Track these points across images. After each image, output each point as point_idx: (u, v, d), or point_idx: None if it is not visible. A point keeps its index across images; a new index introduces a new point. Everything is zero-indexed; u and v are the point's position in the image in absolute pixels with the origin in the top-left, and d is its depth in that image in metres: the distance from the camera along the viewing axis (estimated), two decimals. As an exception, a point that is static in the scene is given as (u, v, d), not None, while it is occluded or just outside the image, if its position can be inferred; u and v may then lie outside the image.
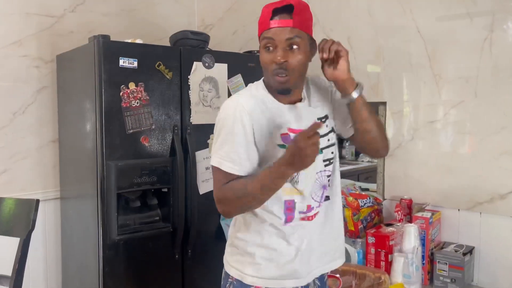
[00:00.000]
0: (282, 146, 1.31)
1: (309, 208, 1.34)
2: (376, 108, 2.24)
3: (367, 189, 2.38)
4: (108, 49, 1.97)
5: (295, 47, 1.25)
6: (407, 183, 2.12)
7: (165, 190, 2.16)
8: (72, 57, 2.27)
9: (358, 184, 2.50)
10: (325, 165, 1.36)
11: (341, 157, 4.28)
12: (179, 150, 2.13)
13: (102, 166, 1.97)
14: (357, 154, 4.31)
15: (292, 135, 1.30)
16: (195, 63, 2.20)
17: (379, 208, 2.16)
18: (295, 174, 1.31)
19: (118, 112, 1.98)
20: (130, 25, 2.72)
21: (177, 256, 2.18)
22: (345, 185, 2.29)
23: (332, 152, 1.39)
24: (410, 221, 1.94)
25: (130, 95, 2.01)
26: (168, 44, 2.40)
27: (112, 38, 2.01)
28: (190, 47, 2.26)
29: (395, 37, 2.14)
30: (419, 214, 1.88)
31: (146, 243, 2.09)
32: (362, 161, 4.18)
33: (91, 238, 2.07)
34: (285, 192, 1.32)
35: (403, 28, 2.11)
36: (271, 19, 1.26)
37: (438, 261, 1.81)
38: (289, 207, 1.34)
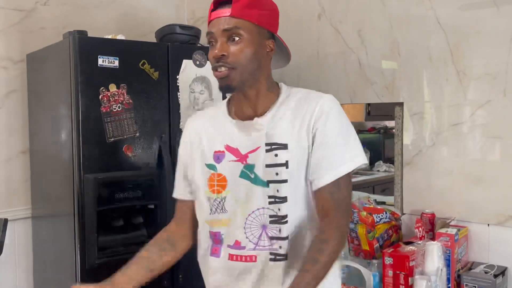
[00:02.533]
0: (210, 166, 1.37)
1: (238, 245, 1.34)
2: (392, 109, 2.25)
3: (383, 203, 2.38)
4: (85, 46, 1.98)
5: (236, 38, 1.28)
6: (429, 195, 2.12)
7: (152, 206, 2.16)
8: (45, 56, 2.29)
9: (373, 197, 2.50)
10: (270, 203, 1.32)
11: (354, 166, 4.28)
12: (167, 160, 2.13)
13: (79, 180, 1.97)
14: (372, 163, 4.32)
15: (227, 153, 1.35)
16: (184, 61, 2.22)
17: (397, 224, 2.16)
18: (219, 199, 1.36)
19: (97, 118, 1.99)
20: (110, 19, 2.74)
21: (165, 282, 2.18)
22: (358, 198, 2.29)
23: (278, 190, 1.32)
24: (432, 239, 1.94)
25: (111, 99, 2.02)
26: (154, 40, 2.42)
27: (89, 34, 2.03)
28: (178, 43, 2.28)
29: (413, 29, 2.15)
30: (443, 231, 1.88)
31: (130, 268, 2.09)
32: (378, 170, 4.19)
33: (67, 263, 2.06)
34: (211, 222, 1.38)
35: (421, 19, 2.12)
36: (211, 11, 1.32)
37: (466, 284, 1.81)
38: (215, 238, 1.38)
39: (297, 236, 1.33)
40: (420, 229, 2.01)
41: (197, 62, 2.25)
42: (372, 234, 2.06)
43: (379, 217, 2.10)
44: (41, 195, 2.41)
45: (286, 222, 1.32)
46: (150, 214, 2.17)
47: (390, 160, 3.96)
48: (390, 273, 1.86)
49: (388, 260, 1.86)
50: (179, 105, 2.20)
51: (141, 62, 2.10)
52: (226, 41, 1.28)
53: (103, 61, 2.00)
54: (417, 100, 2.15)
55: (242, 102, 1.37)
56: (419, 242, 1.94)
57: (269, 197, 1.32)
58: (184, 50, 2.24)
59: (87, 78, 1.97)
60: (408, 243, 1.98)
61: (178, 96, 2.20)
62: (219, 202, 1.36)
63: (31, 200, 2.50)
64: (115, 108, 2.03)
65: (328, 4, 2.42)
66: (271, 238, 1.32)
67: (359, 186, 3.57)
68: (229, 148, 1.36)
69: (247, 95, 1.35)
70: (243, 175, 1.34)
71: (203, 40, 2.50)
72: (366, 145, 4.35)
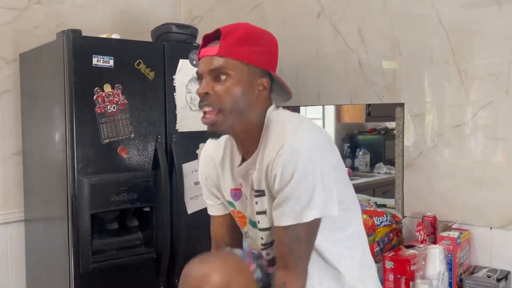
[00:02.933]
0: (228, 203, 1.42)
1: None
2: (393, 110, 2.25)
3: (384, 205, 2.38)
4: (80, 46, 1.98)
5: (223, 77, 1.24)
6: (430, 198, 2.12)
7: (147, 209, 2.16)
8: (38, 56, 2.28)
9: (374, 199, 2.50)
10: (263, 248, 1.40)
11: (354, 168, 4.29)
12: (163, 162, 2.13)
13: (73, 183, 1.97)
14: (372, 165, 4.32)
15: (239, 193, 1.38)
16: (181, 61, 2.22)
17: (398, 227, 2.16)
18: (244, 232, 1.44)
19: (92, 119, 1.99)
20: (105, 18, 2.74)
21: (162, 287, 2.18)
22: (359, 201, 2.29)
23: (262, 238, 1.38)
24: (434, 242, 1.94)
25: (106, 99, 2.02)
26: (150, 39, 2.42)
27: (84, 33, 2.02)
28: (175, 43, 2.28)
29: (414, 28, 2.16)
30: (445, 234, 1.88)
31: (125, 271, 2.09)
32: (378, 172, 4.19)
33: (61, 267, 2.06)
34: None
35: (422, 18, 2.13)
36: (201, 48, 1.30)
37: (468, 289, 1.81)
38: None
39: None
40: (421, 232, 2.01)
41: (194, 62, 2.25)
42: (372, 237, 2.05)
43: (379, 220, 2.10)
44: (34, 198, 2.40)
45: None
46: (145, 217, 2.16)
47: (390, 162, 3.96)
48: (391, 277, 1.85)
49: (389, 264, 1.85)
50: (175, 105, 2.20)
51: (137, 62, 2.10)
52: (213, 79, 1.25)
53: (97, 61, 2.00)
54: (418, 100, 2.15)
55: (239, 143, 1.36)
56: (421, 245, 1.94)
57: (262, 244, 1.40)
58: (181, 49, 2.24)
59: (81, 78, 1.97)
60: (409, 246, 1.98)
61: (175, 97, 2.20)
62: (245, 233, 1.45)
63: (24, 202, 2.49)
64: (110, 109, 2.03)
65: (328, 3, 2.42)
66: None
67: (359, 189, 3.56)
68: (243, 188, 1.39)
69: (240, 138, 1.33)
70: (249, 221, 1.40)
71: (200, 39, 2.50)
72: (367, 146, 4.36)
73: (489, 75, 1.95)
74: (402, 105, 2.20)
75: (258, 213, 1.32)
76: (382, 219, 2.11)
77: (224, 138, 1.40)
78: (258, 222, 1.33)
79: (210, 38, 1.28)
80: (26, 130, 2.44)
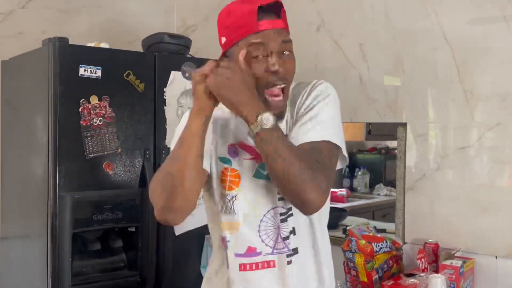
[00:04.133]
0: (223, 159, 1.34)
1: (252, 252, 1.33)
2: (395, 129, 2.26)
3: (383, 230, 2.38)
4: (66, 54, 1.98)
5: (287, 53, 1.28)
6: (432, 223, 2.12)
7: (132, 229, 2.15)
8: (22, 64, 2.28)
9: (373, 223, 2.49)
10: (279, 199, 1.33)
11: (352, 189, 4.28)
12: (150, 179, 2.12)
13: (54, 199, 1.96)
14: (371, 186, 4.32)
15: (241, 151, 1.33)
16: (173, 72, 2.22)
17: (398, 254, 2.15)
18: (229, 198, 1.33)
19: (76, 132, 1.99)
20: (94, 25, 2.75)
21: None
22: (357, 224, 2.29)
23: None
24: (436, 271, 1.94)
25: (92, 111, 2.02)
26: (140, 49, 2.42)
27: (71, 41, 2.03)
28: (167, 53, 2.29)
29: (418, 44, 2.18)
30: (448, 262, 1.88)
31: (107, 296, 2.07)
32: (378, 194, 4.18)
33: (38, 289, 2.04)
34: (222, 225, 1.35)
35: (427, 33, 2.15)
36: (259, 20, 1.26)
37: (472, 322, 1.80)
38: (223, 243, 1.36)
39: (302, 228, 1.35)
40: (422, 260, 2.00)
41: (186, 74, 2.25)
42: (371, 264, 2.05)
43: (378, 246, 2.09)
44: (12, 214, 2.38)
45: (292, 214, 1.34)
46: (130, 238, 2.15)
47: (391, 183, 3.96)
48: (390, 307, 1.85)
49: (388, 293, 1.85)
50: (165, 120, 2.20)
51: (126, 73, 2.10)
52: (280, 55, 1.27)
53: (84, 71, 2.00)
54: (421, 120, 2.17)
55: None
56: (422, 274, 1.94)
57: (278, 193, 1.33)
58: (173, 61, 2.25)
59: (67, 89, 1.97)
60: (410, 275, 1.97)
61: (165, 111, 2.20)
62: (229, 201, 1.34)
63: (0, 218, 2.47)
64: (96, 122, 2.02)
65: (328, 15, 2.44)
66: (284, 238, 1.34)
67: (358, 211, 3.56)
68: (243, 146, 1.34)
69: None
70: (257, 174, 1.33)
71: (193, 51, 2.51)
72: (366, 166, 4.36)
73: (496, 95, 1.97)
74: (404, 124, 2.22)
75: None
76: (382, 245, 2.10)
77: None
78: None
79: (266, 9, 1.27)
80: (6, 141, 2.43)
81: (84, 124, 2.00)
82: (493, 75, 1.98)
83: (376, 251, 2.08)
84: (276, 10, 1.28)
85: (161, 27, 2.91)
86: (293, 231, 1.34)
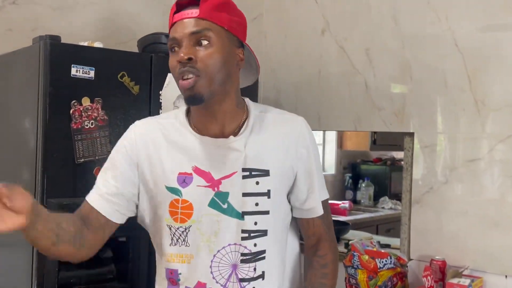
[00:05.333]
0: (172, 190, 1.32)
1: (201, 286, 1.33)
2: (401, 139, 2.26)
3: (388, 246, 2.38)
4: (58, 53, 1.98)
5: (205, 42, 1.28)
6: (439, 239, 2.12)
7: (123, 239, 2.14)
8: (10, 62, 2.28)
9: (377, 238, 2.50)
10: (243, 238, 1.32)
11: (356, 202, 4.28)
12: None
13: (41, 205, 1.95)
14: (376, 199, 4.33)
15: (196, 177, 1.32)
16: (169, 75, 2.20)
17: (403, 271, 2.15)
18: (182, 229, 1.32)
19: (66, 135, 1.98)
20: (87, 24, 2.76)
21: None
22: (360, 239, 2.29)
23: (256, 223, 1.33)
24: (443, 290, 1.94)
25: (83, 114, 2.02)
26: (136, 50, 2.43)
27: (63, 40, 2.03)
28: (164, 55, 2.29)
29: (427, 51, 2.19)
30: (455, 281, 1.88)
31: (94, 309, 2.06)
32: (383, 207, 4.19)
33: (21, 301, 2.03)
34: (170, 257, 1.35)
35: (436, 40, 2.16)
36: (174, 14, 1.32)
37: None
38: (171, 277, 1.36)
39: (273, 273, 1.35)
40: (428, 278, 2.00)
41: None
42: (374, 281, 2.05)
43: (382, 262, 2.09)
44: (-4, 221, 2.37)
45: (264, 258, 1.33)
46: (120, 248, 2.14)
47: (397, 196, 3.96)
48: (393, 327, 1.84)
49: (392, 312, 1.85)
50: (160, 124, 2.20)
51: (120, 74, 2.10)
52: (193, 44, 1.27)
53: (76, 71, 2.00)
54: (429, 130, 2.17)
55: (207, 118, 1.35)
56: (428, 292, 1.94)
57: (243, 231, 1.32)
58: (169, 62, 2.25)
59: (58, 89, 1.97)
60: (415, 293, 1.97)
61: (160, 114, 2.20)
62: (182, 233, 1.33)
63: (-17, 225, 2.46)
64: (87, 125, 2.02)
65: (334, 19, 2.46)
66: (242, 280, 1.32)
67: (361, 225, 3.56)
68: (198, 171, 1.33)
69: (213, 110, 1.33)
70: (213, 204, 1.32)
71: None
72: (371, 177, 4.36)
73: (508, 105, 1.98)
74: (411, 134, 2.22)
75: (259, 194, 1.33)
76: (386, 261, 2.10)
77: (156, 120, 1.45)
78: (257, 204, 1.32)
79: (184, 4, 1.31)
80: (-8, 144, 2.42)
81: (74, 127, 2.00)
82: (506, 84, 1.99)
83: (380, 267, 2.07)
84: (196, 2, 1.29)
85: (158, 27, 2.91)
86: (262, 276, 1.34)
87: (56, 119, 1.97)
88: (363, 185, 4.34)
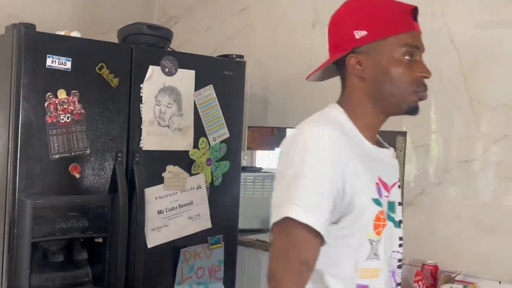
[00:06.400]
0: (376, 201, 1.29)
1: None
2: (393, 138, 2.27)
3: (378, 249, 2.38)
4: (32, 42, 1.96)
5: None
6: (432, 243, 2.13)
7: (100, 240, 2.13)
8: (-19, 51, 2.26)
9: (366, 241, 2.50)
10: (400, 245, 1.40)
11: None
12: (122, 185, 2.11)
13: (12, 204, 1.93)
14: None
15: (381, 187, 1.31)
16: (151, 67, 2.21)
17: (394, 276, 2.16)
18: (376, 242, 1.30)
19: (41, 130, 1.97)
20: (64, 12, 2.74)
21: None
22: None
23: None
24: (434, 296, 1.95)
25: (59, 107, 2.00)
26: (116, 40, 2.41)
27: (38, 28, 2.01)
28: (145, 46, 2.27)
29: (421, 47, 2.19)
30: (447, 286, 1.89)
31: (69, 314, 2.05)
32: (373, 209, 4.20)
33: (-10, 305, 2.01)
34: (361, 272, 1.30)
35: (432, 36, 2.15)
36: (415, 20, 1.34)
37: None
38: None
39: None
40: (420, 283, 2.01)
41: (166, 70, 2.24)
42: (363, 286, 2.05)
43: (372, 266, 2.09)
44: (-35, 219, 2.35)
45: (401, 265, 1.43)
46: (97, 249, 2.13)
47: (387, 198, 3.98)
48: (382, 334, 1.84)
49: (381, 319, 1.85)
50: (141, 119, 2.19)
51: (99, 66, 2.09)
52: None
53: (52, 62, 1.98)
54: (422, 130, 2.18)
55: (377, 128, 1.39)
56: (418, 298, 1.94)
57: (400, 238, 1.39)
58: (151, 54, 2.24)
59: (32, 81, 1.95)
60: (405, 299, 1.98)
61: (141, 109, 2.19)
62: (375, 246, 1.33)
63: (-49, 224, 2.44)
64: (63, 119, 2.01)
65: (325, 11, 2.45)
66: (398, 284, 1.40)
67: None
68: (381, 181, 1.34)
69: (384, 120, 1.39)
70: (387, 214, 1.35)
71: (175, 44, 2.50)
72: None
73: (504, 105, 1.99)
74: (404, 134, 2.23)
75: (400, 203, 1.39)
76: (375, 265, 2.11)
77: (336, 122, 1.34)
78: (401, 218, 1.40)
79: (416, 14, 1.35)
80: (-39, 137, 2.40)
81: (49, 121, 1.98)
82: (502, 83, 2.00)
83: (369, 272, 2.08)
84: (416, 16, 1.34)
85: (140, 17, 2.90)
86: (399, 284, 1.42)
87: (29, 112, 1.95)
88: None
